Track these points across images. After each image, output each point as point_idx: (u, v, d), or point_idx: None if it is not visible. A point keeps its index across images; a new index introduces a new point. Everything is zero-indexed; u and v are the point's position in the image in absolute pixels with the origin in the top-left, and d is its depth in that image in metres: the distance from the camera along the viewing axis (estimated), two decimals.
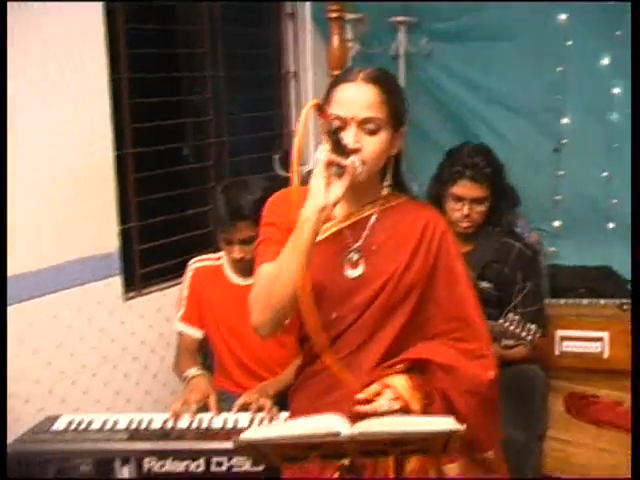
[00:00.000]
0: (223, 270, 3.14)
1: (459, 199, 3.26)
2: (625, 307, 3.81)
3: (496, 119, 4.76)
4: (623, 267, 4.45)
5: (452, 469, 2.06)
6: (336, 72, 3.45)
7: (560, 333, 3.69)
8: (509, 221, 3.45)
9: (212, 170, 4.14)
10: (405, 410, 1.98)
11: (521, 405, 3.15)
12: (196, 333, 3.17)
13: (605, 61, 4.43)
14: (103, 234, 3.49)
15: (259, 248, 2.19)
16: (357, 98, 2.04)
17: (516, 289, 3.21)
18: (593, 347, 3.69)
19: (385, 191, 2.20)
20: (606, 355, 3.69)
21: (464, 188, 3.25)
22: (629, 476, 2.64)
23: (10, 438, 2.75)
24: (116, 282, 3.58)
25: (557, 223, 4.72)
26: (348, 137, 1.99)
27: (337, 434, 1.51)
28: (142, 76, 3.66)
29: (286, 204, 2.10)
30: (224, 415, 2.74)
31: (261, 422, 2.65)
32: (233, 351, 3.10)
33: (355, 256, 2.14)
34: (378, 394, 1.99)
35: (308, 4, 4.48)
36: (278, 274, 2.00)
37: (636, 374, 2.22)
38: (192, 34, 4.03)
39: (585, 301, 4.02)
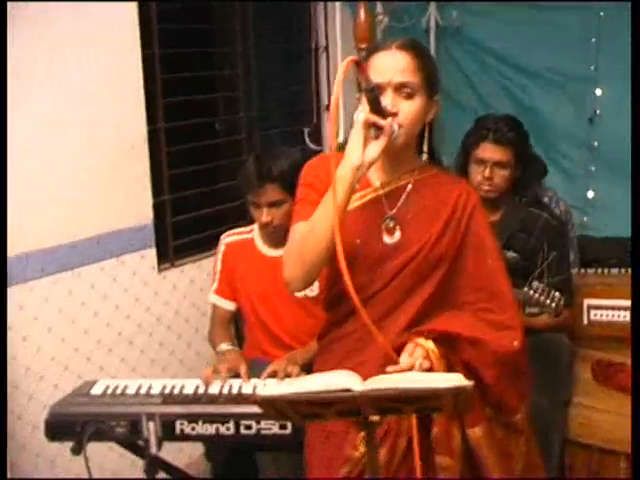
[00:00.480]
0: (254, 243, 3.21)
1: (482, 162, 3.29)
2: None
3: (527, 90, 4.81)
4: None
5: (476, 432, 2.12)
6: (363, 46, 3.49)
7: (588, 302, 3.74)
8: (536, 191, 3.48)
9: (244, 144, 4.22)
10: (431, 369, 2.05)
11: (546, 372, 3.17)
12: (229, 305, 3.25)
13: None
14: (137, 207, 3.60)
15: (295, 207, 2.26)
16: (392, 64, 2.11)
17: (541, 258, 3.25)
18: (622, 316, 3.73)
19: (421, 161, 2.26)
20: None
21: (486, 150, 3.28)
22: None
23: (40, 405, 2.89)
24: (150, 254, 3.69)
25: (590, 194, 4.77)
26: (386, 101, 2.05)
27: (348, 390, 1.56)
28: (174, 51, 3.75)
29: (324, 167, 2.15)
30: (253, 381, 2.82)
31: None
32: (263, 321, 3.17)
33: (391, 223, 2.20)
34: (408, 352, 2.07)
35: None
36: (312, 230, 2.07)
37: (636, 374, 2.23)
38: (224, 9, 4.10)
39: (614, 270, 4.06)
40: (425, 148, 2.24)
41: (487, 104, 4.88)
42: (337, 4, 4.46)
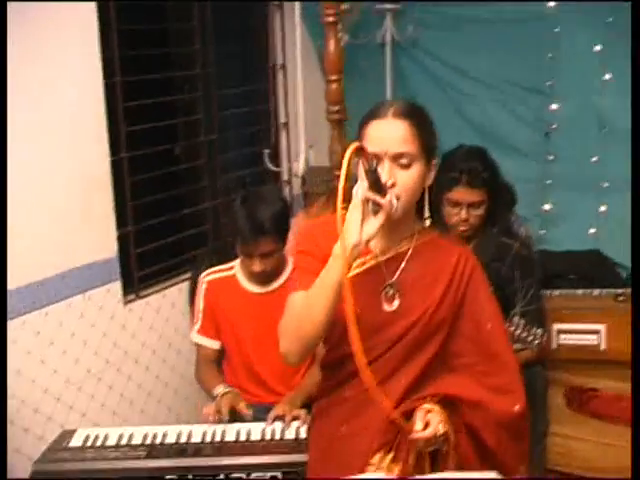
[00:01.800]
0: (237, 280, 3.21)
1: (456, 204, 3.32)
2: (620, 298, 3.95)
3: (482, 103, 4.89)
4: (613, 251, 4.62)
5: None
6: (334, 77, 3.50)
7: (557, 327, 3.82)
8: (506, 220, 3.52)
9: (204, 168, 4.21)
10: (447, 436, 2.10)
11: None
12: (214, 344, 3.25)
13: (597, 48, 4.54)
14: (102, 240, 3.57)
15: (294, 275, 2.27)
16: (389, 134, 2.11)
17: (516, 288, 3.30)
18: (590, 339, 3.83)
19: (420, 224, 2.28)
20: (603, 347, 3.83)
21: (460, 193, 3.29)
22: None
23: (26, 445, 2.85)
24: (116, 287, 3.67)
25: (547, 206, 4.86)
26: (383, 171, 2.05)
27: None
28: (136, 79, 3.71)
29: (321, 232, 2.18)
30: (236, 427, 2.85)
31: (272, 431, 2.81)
32: (249, 363, 3.18)
33: (391, 291, 2.22)
34: (427, 423, 2.08)
35: None
36: (309, 308, 2.08)
37: (636, 375, 2.29)
38: (184, 33, 4.08)
39: (579, 292, 4.14)
40: (426, 213, 2.27)
41: (444, 118, 4.92)
42: (296, 22, 4.45)
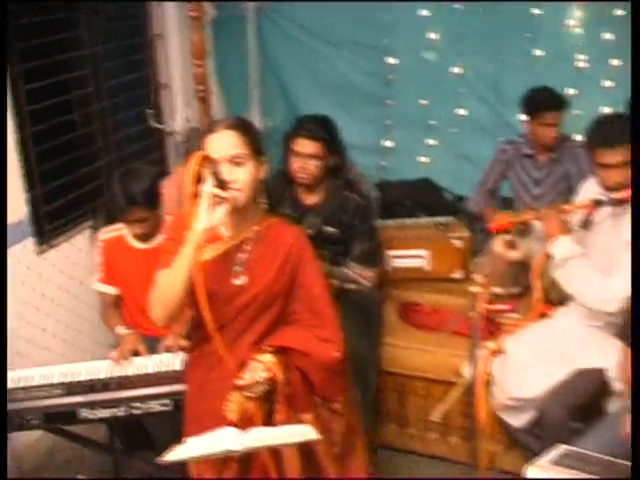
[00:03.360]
0: (126, 238, 3.63)
1: (297, 154, 3.70)
2: (440, 227, 4.46)
3: (332, 60, 5.32)
4: (442, 178, 5.14)
5: (307, 417, 2.65)
6: (199, 62, 3.84)
7: (391, 253, 4.30)
8: (346, 174, 3.94)
9: (98, 132, 4.53)
10: (272, 379, 2.56)
11: (362, 322, 3.74)
12: (112, 290, 3.69)
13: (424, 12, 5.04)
14: (15, 203, 3.80)
15: (160, 257, 2.65)
16: (223, 142, 2.52)
17: (355, 234, 3.73)
18: (417, 262, 4.34)
19: (259, 213, 2.67)
20: (427, 268, 4.35)
21: (300, 145, 3.68)
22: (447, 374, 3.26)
23: None
24: (30, 242, 3.99)
25: (387, 143, 5.33)
26: (224, 171, 2.46)
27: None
28: (35, 64, 3.98)
29: (182, 222, 2.54)
30: (136, 361, 3.32)
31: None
32: (138, 302, 3.57)
33: (239, 269, 2.63)
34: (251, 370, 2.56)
35: None
36: (170, 282, 2.50)
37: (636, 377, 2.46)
38: (74, 19, 4.34)
39: (409, 221, 4.65)
40: (263, 200, 2.68)
41: (302, 77, 5.32)
42: None
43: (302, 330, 2.68)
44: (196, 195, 2.41)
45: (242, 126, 2.59)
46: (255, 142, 2.59)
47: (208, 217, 2.40)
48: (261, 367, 2.56)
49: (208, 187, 2.40)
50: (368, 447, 3.28)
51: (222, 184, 2.43)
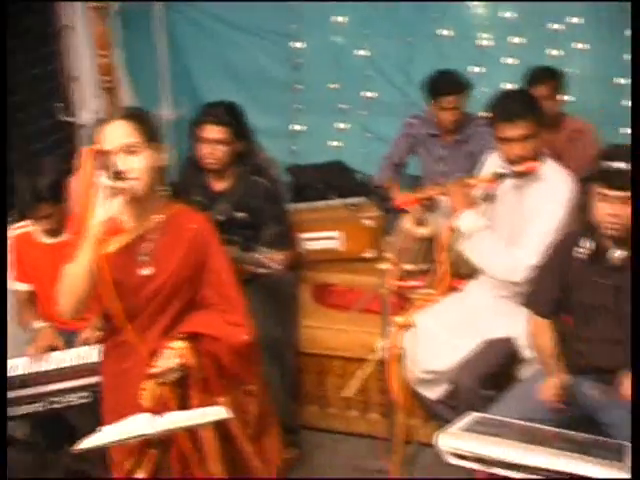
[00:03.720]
0: (34, 234, 3.58)
1: (204, 140, 3.70)
2: (352, 208, 4.51)
3: (241, 47, 5.33)
4: (354, 160, 5.19)
5: (222, 400, 2.65)
6: (103, 52, 3.80)
7: (305, 235, 4.30)
8: (255, 159, 3.95)
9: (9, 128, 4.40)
10: (185, 365, 2.56)
11: (278, 306, 3.78)
12: (25, 287, 3.64)
13: None
14: None
15: (66, 252, 2.63)
16: (117, 132, 2.51)
17: (265, 219, 3.76)
18: (329, 243, 4.37)
19: (163, 202, 2.66)
20: (340, 248, 4.39)
21: (206, 130, 3.68)
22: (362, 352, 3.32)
23: None
24: None
25: (297, 127, 5.37)
26: (119, 162, 2.46)
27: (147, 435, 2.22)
28: None
29: (84, 217, 2.53)
30: (53, 356, 3.29)
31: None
32: (50, 297, 3.53)
33: (145, 258, 2.63)
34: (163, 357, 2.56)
35: None
36: (74, 274, 2.50)
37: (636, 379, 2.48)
38: None
39: (321, 204, 4.67)
40: (163, 188, 2.66)
41: (213, 66, 5.32)
42: None
43: (212, 315, 2.69)
44: (92, 188, 2.41)
45: (135, 115, 2.59)
46: (150, 130, 2.59)
47: (105, 209, 2.41)
48: (173, 354, 2.57)
49: (102, 179, 2.41)
50: (288, 428, 3.35)
51: (118, 175, 2.42)
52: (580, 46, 5.00)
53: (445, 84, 4.29)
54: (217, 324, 2.66)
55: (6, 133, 3.20)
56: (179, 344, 2.58)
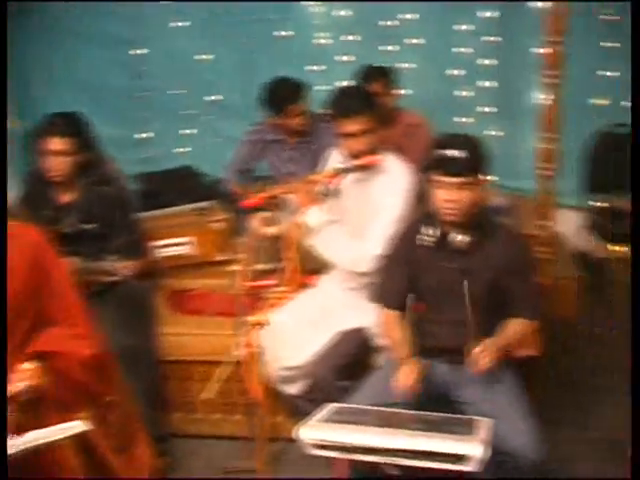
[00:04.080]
0: None
1: (48, 152, 3.57)
2: (200, 212, 4.52)
3: (85, 55, 5.31)
4: (204, 164, 5.19)
5: (83, 415, 2.61)
6: None
7: (157, 243, 4.24)
8: (101, 169, 3.88)
9: None
10: (35, 386, 2.49)
11: (132, 315, 3.72)
12: None
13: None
14: None
15: None
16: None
17: (111, 227, 3.71)
18: (182, 249, 4.34)
19: None
20: (192, 253, 4.35)
21: (46, 142, 3.56)
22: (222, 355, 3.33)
23: None
24: None
25: (144, 135, 5.34)
26: None
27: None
28: None
29: None
30: None
31: None
32: None
33: None
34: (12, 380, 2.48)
35: None
36: None
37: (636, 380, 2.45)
38: None
39: (171, 210, 4.64)
40: None
41: (60, 78, 5.21)
42: None
43: (58, 331, 2.66)
44: None
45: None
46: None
47: None
48: (22, 376, 2.51)
49: None
50: (156, 437, 3.32)
51: None
52: (415, 41, 5.18)
53: (286, 93, 4.37)
54: (62, 340, 2.63)
55: (6, 135, 3.00)
56: (27, 365, 2.53)
